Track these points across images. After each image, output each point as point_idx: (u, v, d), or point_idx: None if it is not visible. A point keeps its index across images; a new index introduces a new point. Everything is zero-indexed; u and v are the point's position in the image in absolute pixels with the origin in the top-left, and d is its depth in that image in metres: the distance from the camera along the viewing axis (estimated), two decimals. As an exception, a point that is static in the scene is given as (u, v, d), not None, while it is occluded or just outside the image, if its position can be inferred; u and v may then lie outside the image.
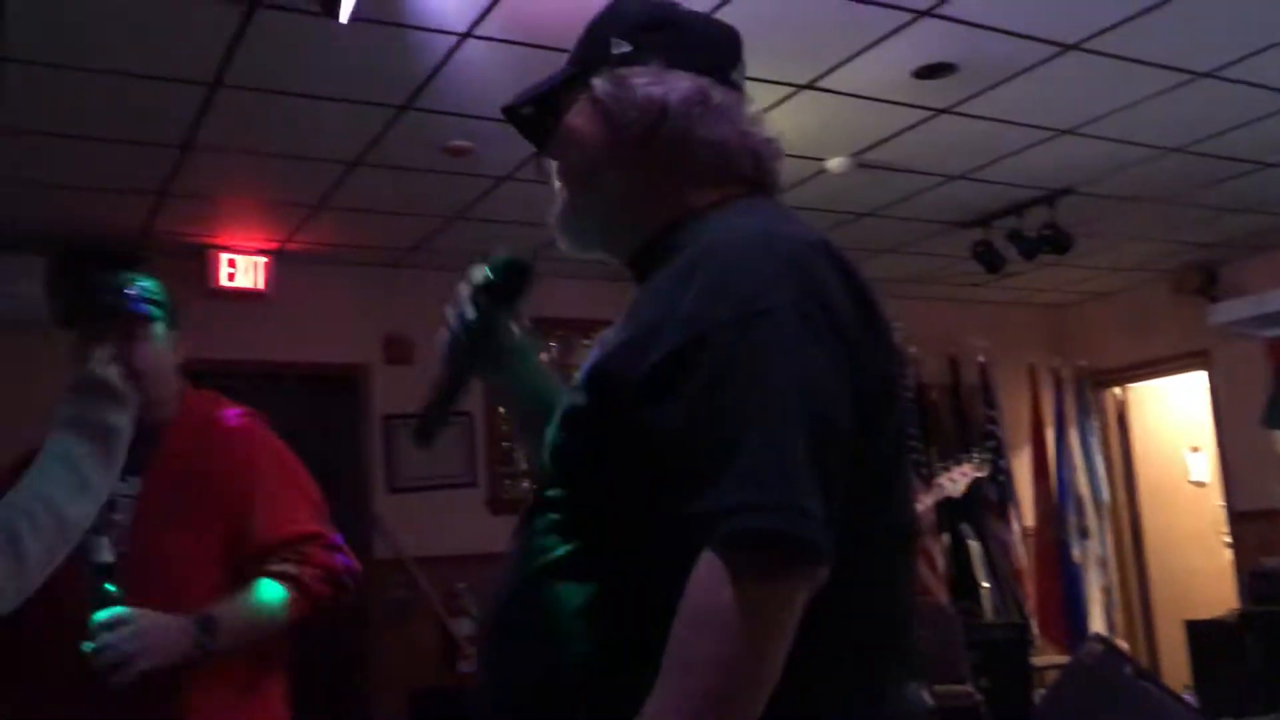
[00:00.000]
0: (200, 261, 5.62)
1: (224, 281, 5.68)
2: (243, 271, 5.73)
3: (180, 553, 2.07)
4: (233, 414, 2.30)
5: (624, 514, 1.15)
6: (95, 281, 2.25)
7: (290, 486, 2.24)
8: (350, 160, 4.57)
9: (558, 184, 1.39)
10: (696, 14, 1.40)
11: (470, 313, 1.43)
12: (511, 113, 1.44)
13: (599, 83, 1.31)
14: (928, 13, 3.52)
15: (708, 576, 1.02)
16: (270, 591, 2.12)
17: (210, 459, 2.19)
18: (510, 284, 1.44)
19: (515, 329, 1.49)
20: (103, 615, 1.90)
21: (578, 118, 1.34)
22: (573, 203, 1.37)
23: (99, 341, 2.07)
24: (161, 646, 1.94)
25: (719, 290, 1.10)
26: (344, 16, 2.77)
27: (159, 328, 2.23)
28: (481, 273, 1.44)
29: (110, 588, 1.93)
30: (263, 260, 5.77)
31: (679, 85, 1.29)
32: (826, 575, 1.04)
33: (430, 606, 5.73)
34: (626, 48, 1.32)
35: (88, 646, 1.89)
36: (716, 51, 1.36)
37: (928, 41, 3.73)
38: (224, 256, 5.69)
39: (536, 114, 1.41)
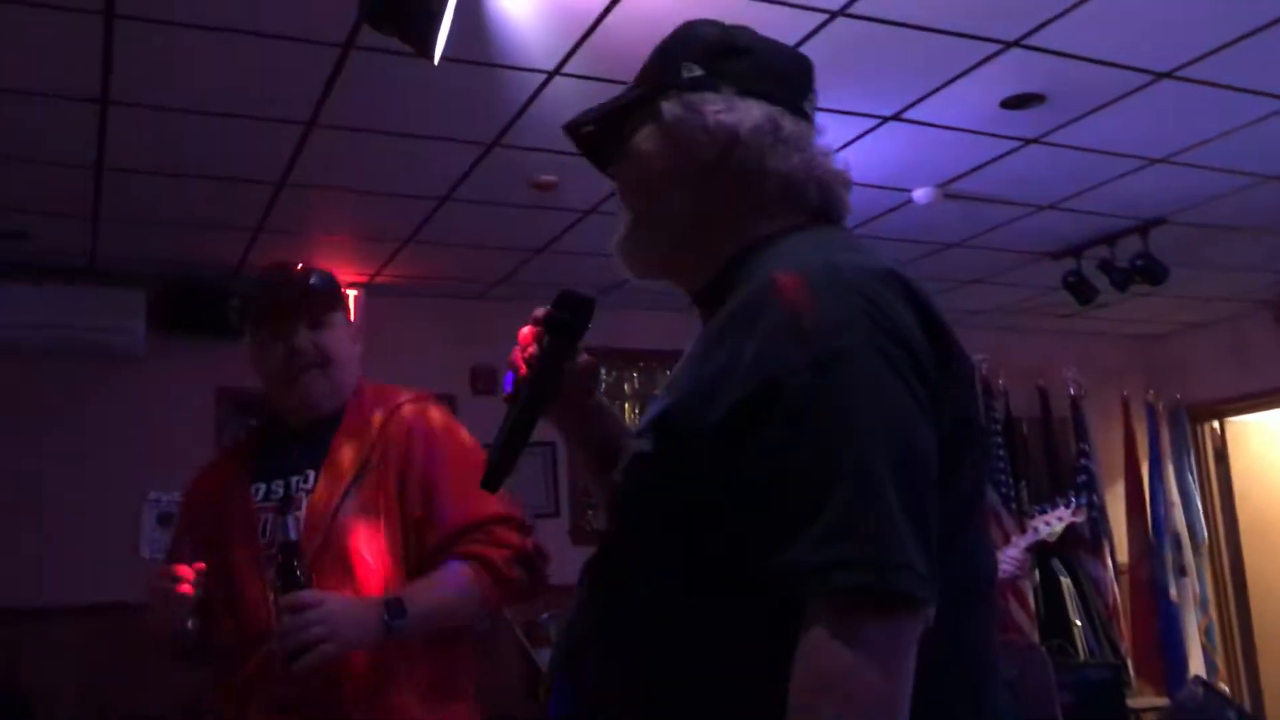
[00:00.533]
0: (294, 295, 5.76)
1: (317, 315, 5.80)
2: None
3: (360, 541, 2.03)
4: (408, 399, 2.27)
5: (696, 563, 1.11)
6: (285, 275, 2.30)
7: (475, 468, 2.08)
8: (440, 196, 4.66)
9: (621, 206, 1.38)
10: (770, 42, 1.37)
11: (536, 351, 1.39)
12: (574, 130, 1.43)
13: (668, 106, 1.30)
14: (1016, 43, 3.49)
15: (819, 640, 0.99)
16: (458, 573, 2.06)
17: (388, 446, 2.14)
18: (575, 320, 1.40)
19: (578, 366, 1.46)
20: (289, 597, 1.86)
21: (646, 140, 1.33)
22: (636, 225, 1.35)
23: (291, 327, 2.12)
24: (350, 630, 1.89)
25: (789, 330, 1.06)
26: (437, 57, 2.83)
27: (340, 316, 2.25)
28: (546, 310, 1.41)
29: (296, 568, 1.89)
30: (353, 293, 5.90)
31: (751, 114, 1.27)
32: (932, 614, 1.01)
33: (513, 636, 5.76)
34: (698, 73, 1.30)
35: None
36: (788, 81, 1.34)
37: (1016, 72, 3.69)
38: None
39: (600, 133, 1.40)
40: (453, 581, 2.06)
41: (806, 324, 1.05)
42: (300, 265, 2.32)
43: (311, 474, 2.12)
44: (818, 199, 1.29)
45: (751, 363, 1.07)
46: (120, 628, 5.29)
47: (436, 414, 2.29)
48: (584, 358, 1.46)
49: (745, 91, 1.28)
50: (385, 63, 3.38)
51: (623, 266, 1.38)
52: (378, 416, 2.18)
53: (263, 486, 2.16)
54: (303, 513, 2.06)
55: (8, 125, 3.79)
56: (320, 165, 4.25)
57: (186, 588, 1.99)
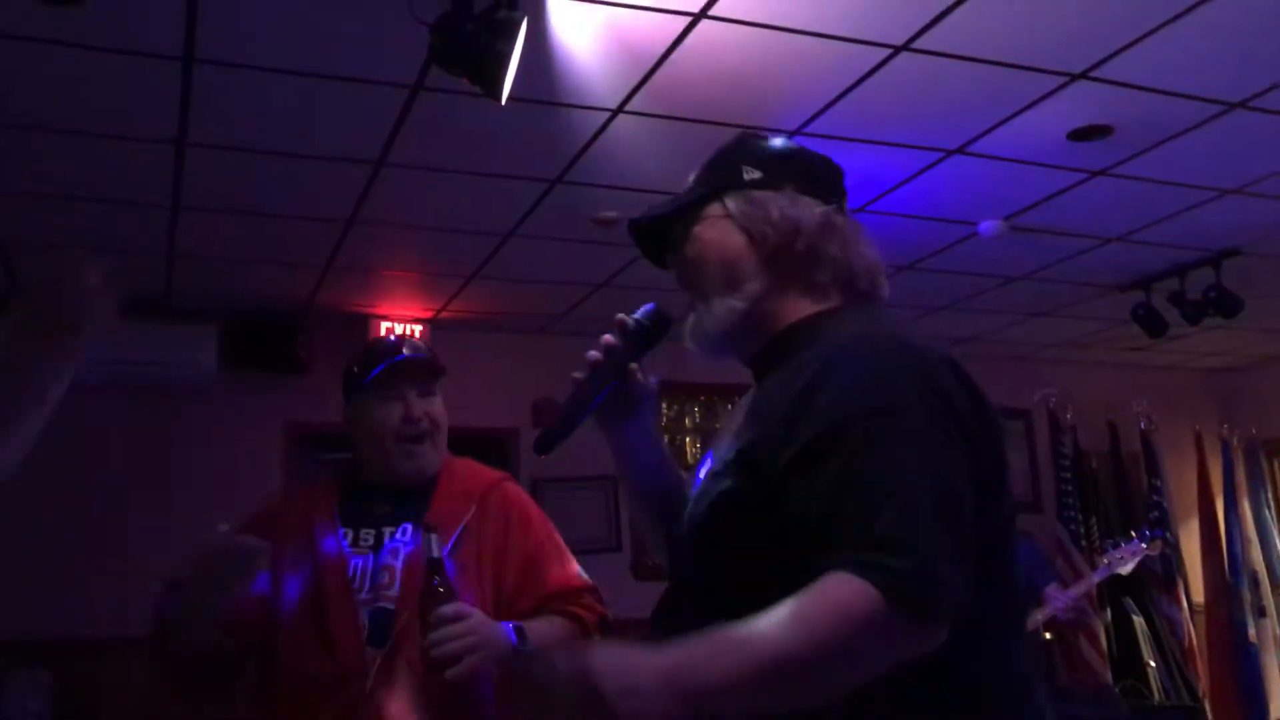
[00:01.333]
0: (361, 329, 5.85)
1: (382, 349, 5.89)
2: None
3: (460, 592, 2.12)
4: (503, 477, 2.41)
5: (777, 593, 1.18)
6: (399, 343, 2.45)
7: (560, 543, 2.34)
8: (504, 232, 4.71)
9: (687, 296, 1.54)
10: (813, 151, 1.58)
11: (618, 342, 1.57)
12: (635, 225, 1.60)
13: (733, 203, 1.48)
14: (1083, 75, 3.46)
15: (843, 595, 1.12)
16: (558, 624, 2.21)
17: (487, 516, 2.25)
18: (654, 329, 1.59)
19: (643, 379, 1.62)
20: (445, 609, 1.95)
21: (712, 232, 1.50)
22: (707, 311, 1.50)
23: (401, 393, 2.26)
24: (493, 644, 2.00)
25: (855, 390, 1.25)
26: (504, 97, 2.88)
27: (441, 385, 2.38)
28: (633, 316, 1.59)
29: (439, 584, 1.97)
30: (418, 328, 5.97)
31: (811, 210, 1.46)
32: (942, 634, 1.14)
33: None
34: (758, 174, 1.49)
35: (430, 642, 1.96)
36: (833, 184, 1.54)
37: (1083, 104, 3.66)
38: (383, 325, 5.91)
39: (660, 227, 1.57)
40: (553, 629, 2.19)
41: (871, 386, 1.25)
42: (405, 336, 2.47)
43: (409, 527, 2.21)
44: (866, 284, 1.48)
45: (823, 409, 1.25)
46: (190, 659, 5.37)
47: (523, 492, 2.47)
48: (650, 379, 1.63)
49: (802, 191, 1.48)
50: (452, 103, 3.44)
51: (696, 349, 1.54)
52: (477, 486, 2.32)
53: (350, 532, 2.22)
54: (399, 567, 2.15)
55: (88, 166, 3.91)
56: (388, 204, 4.33)
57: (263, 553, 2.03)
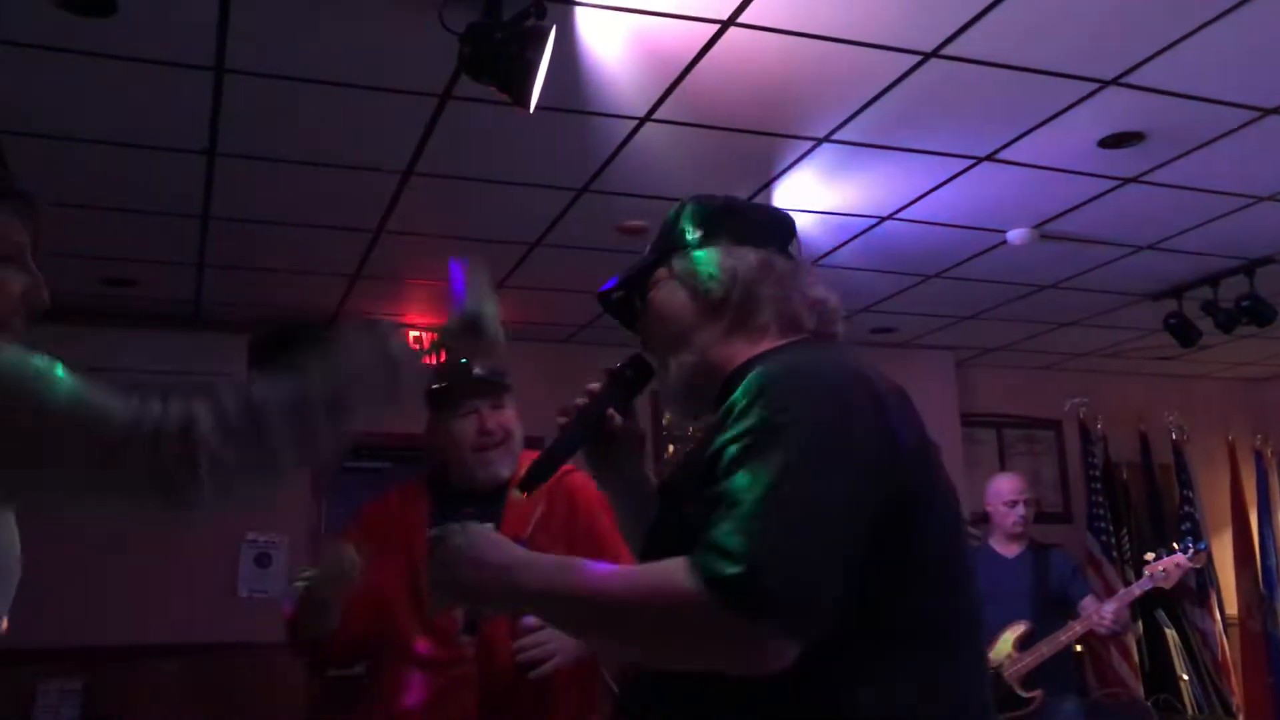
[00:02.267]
0: (388, 339, 5.87)
1: (410, 358, 5.91)
2: (427, 348, 5.95)
3: None
4: (564, 468, 2.49)
5: None
6: (469, 366, 2.67)
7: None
8: (530, 241, 4.72)
9: (652, 359, 1.63)
10: (753, 204, 1.72)
11: (594, 390, 1.69)
12: (604, 299, 1.70)
13: (678, 263, 1.57)
14: (1114, 81, 3.43)
15: (675, 574, 1.20)
16: None
17: (554, 505, 2.51)
18: (636, 378, 1.69)
19: (627, 423, 1.73)
20: (525, 620, 2.26)
21: (661, 294, 1.59)
22: (666, 371, 1.58)
23: (474, 407, 2.57)
24: (568, 649, 2.30)
25: (755, 404, 1.30)
26: (532, 106, 2.88)
27: (511, 398, 2.66)
28: (618, 365, 1.70)
29: None
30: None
31: (746, 258, 1.54)
32: (783, 647, 1.17)
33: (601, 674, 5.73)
34: (699, 234, 1.58)
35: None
36: (773, 230, 1.61)
37: (1114, 110, 3.63)
38: (410, 334, 5.91)
39: (626, 297, 1.67)
40: None
41: (772, 400, 1.30)
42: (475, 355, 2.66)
43: (490, 526, 2.32)
44: (814, 322, 1.53)
45: (729, 426, 1.32)
46: (219, 667, 5.40)
47: (590, 481, 2.57)
48: (633, 425, 1.74)
49: (739, 241, 1.55)
50: (480, 112, 3.45)
51: (672, 412, 1.65)
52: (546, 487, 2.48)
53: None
54: None
55: (120, 177, 3.94)
56: (416, 213, 4.34)
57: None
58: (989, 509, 4.91)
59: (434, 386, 2.59)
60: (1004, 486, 4.90)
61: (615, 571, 1.31)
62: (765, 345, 1.50)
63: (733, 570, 1.15)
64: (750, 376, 1.35)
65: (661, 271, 1.60)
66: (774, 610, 1.15)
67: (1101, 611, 4.44)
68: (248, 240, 4.62)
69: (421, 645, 2.43)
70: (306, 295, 5.37)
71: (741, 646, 1.17)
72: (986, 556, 4.80)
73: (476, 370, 2.61)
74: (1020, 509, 4.79)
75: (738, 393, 1.34)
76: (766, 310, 1.51)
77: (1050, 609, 4.59)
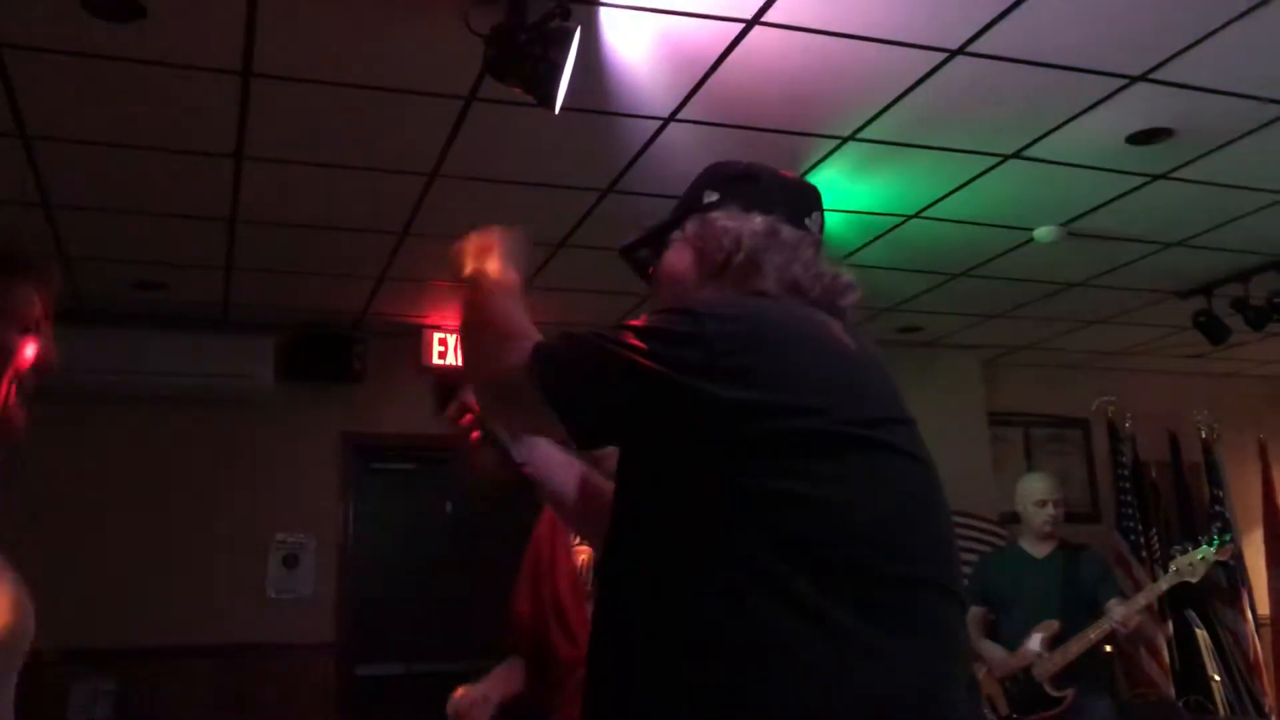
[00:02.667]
0: (414, 340, 5.90)
1: (435, 359, 5.94)
2: (452, 350, 5.98)
3: None
4: None
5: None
6: None
7: None
8: (555, 242, 4.73)
9: None
10: (777, 173, 1.66)
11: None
12: (625, 254, 1.75)
13: (690, 225, 1.60)
14: (1142, 77, 3.40)
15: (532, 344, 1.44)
16: None
17: None
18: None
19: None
20: None
21: (672, 255, 1.61)
22: None
23: None
24: None
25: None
26: (558, 107, 2.89)
27: None
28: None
29: None
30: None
31: (753, 222, 1.54)
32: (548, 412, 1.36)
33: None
34: (715, 197, 1.60)
35: None
36: (789, 200, 1.61)
37: (1143, 106, 3.60)
38: (436, 335, 5.95)
39: (649, 255, 1.69)
40: None
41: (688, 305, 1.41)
42: None
43: None
44: (820, 296, 1.51)
45: None
46: (249, 667, 5.44)
47: None
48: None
49: (751, 207, 1.56)
50: (505, 113, 3.46)
51: None
52: None
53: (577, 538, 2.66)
54: None
55: (148, 181, 3.97)
56: (441, 215, 4.36)
57: None
58: (1018, 509, 4.88)
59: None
60: (1034, 486, 4.86)
61: (516, 322, 1.54)
62: None
63: (546, 372, 1.38)
64: None
65: (677, 233, 1.61)
66: (550, 394, 1.37)
67: (1111, 613, 4.41)
68: (275, 243, 4.65)
69: (564, 647, 2.57)
70: (333, 297, 5.40)
71: (530, 399, 1.37)
72: (1016, 556, 4.78)
73: None
74: (1050, 509, 4.74)
75: None
76: (768, 276, 1.51)
77: (1081, 609, 4.54)
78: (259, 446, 5.72)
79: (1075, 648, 4.42)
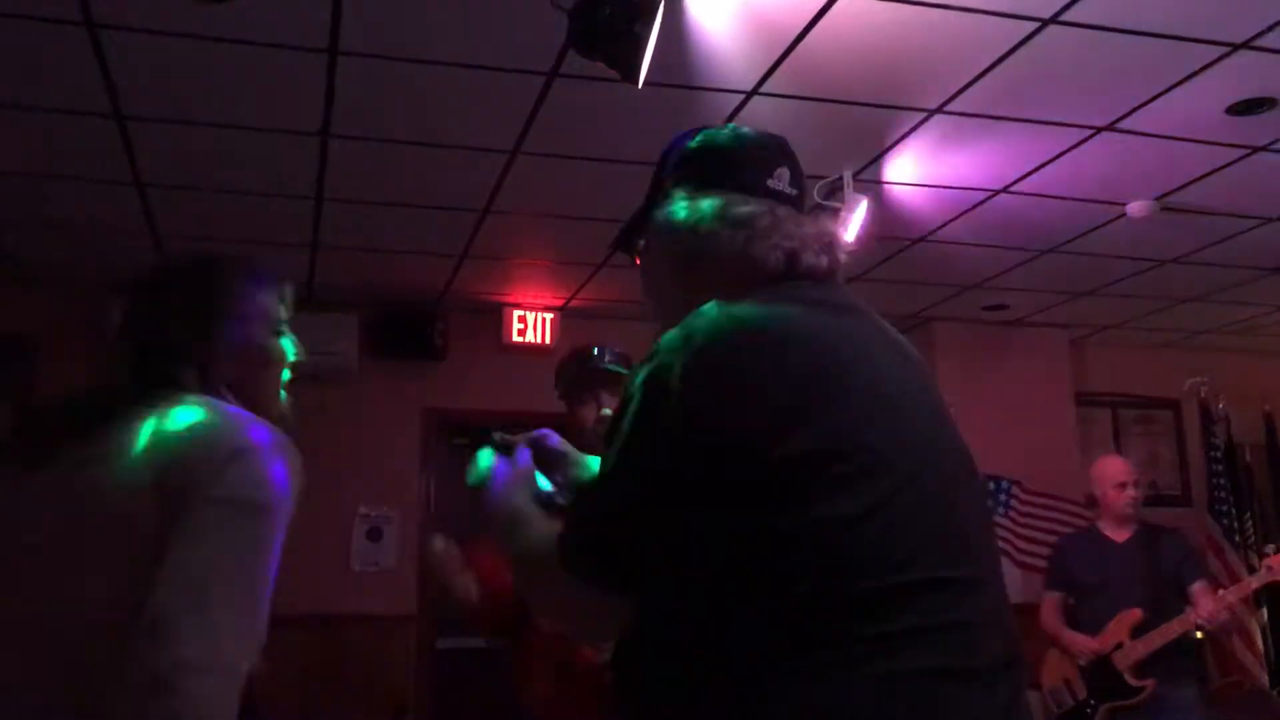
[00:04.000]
0: (495, 318, 5.95)
1: (515, 337, 5.98)
2: (531, 327, 6.02)
3: None
4: None
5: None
6: (600, 353, 2.98)
7: None
8: (635, 219, 4.71)
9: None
10: (730, 138, 1.57)
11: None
12: (619, 246, 1.66)
13: (654, 216, 1.52)
14: (1245, 45, 3.28)
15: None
16: None
17: None
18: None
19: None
20: None
21: (645, 258, 1.57)
22: (657, 318, 1.53)
23: (595, 395, 2.84)
24: None
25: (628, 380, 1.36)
26: (641, 81, 2.87)
27: None
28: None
29: None
30: (549, 316, 6.03)
31: (701, 208, 1.46)
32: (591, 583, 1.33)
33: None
34: (670, 182, 1.53)
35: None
36: (743, 171, 1.50)
37: (1244, 75, 3.47)
38: (515, 313, 5.99)
39: (632, 244, 1.61)
40: None
41: (664, 356, 1.31)
42: (606, 346, 3.00)
43: None
44: (782, 265, 1.42)
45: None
46: (334, 637, 5.55)
47: None
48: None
49: (702, 187, 1.48)
50: (587, 89, 3.45)
51: None
52: None
53: None
54: None
55: (236, 158, 4.05)
56: (522, 192, 4.37)
57: None
58: (1097, 492, 4.75)
59: (562, 383, 2.91)
60: (1112, 468, 4.72)
61: (534, 533, 1.49)
62: (729, 297, 1.39)
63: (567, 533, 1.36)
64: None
65: (649, 224, 1.54)
66: (574, 564, 1.33)
67: (1198, 606, 4.29)
68: (359, 221, 4.71)
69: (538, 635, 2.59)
70: (415, 275, 5.46)
71: (577, 582, 1.33)
72: (1096, 541, 4.65)
73: (595, 363, 2.93)
74: (1131, 490, 4.59)
75: None
76: (728, 262, 1.43)
77: (1165, 594, 4.42)
78: (343, 422, 5.80)
79: (1158, 639, 4.31)
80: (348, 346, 5.65)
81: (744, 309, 1.33)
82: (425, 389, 5.98)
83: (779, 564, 1.20)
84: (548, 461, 1.81)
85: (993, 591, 1.30)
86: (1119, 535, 4.60)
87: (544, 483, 1.80)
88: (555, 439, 1.84)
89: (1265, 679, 5.96)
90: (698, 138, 1.56)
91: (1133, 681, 4.32)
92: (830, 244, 1.47)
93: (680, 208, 1.48)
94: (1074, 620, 4.61)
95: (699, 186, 1.48)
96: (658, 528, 1.27)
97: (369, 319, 5.82)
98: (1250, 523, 6.50)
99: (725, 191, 1.47)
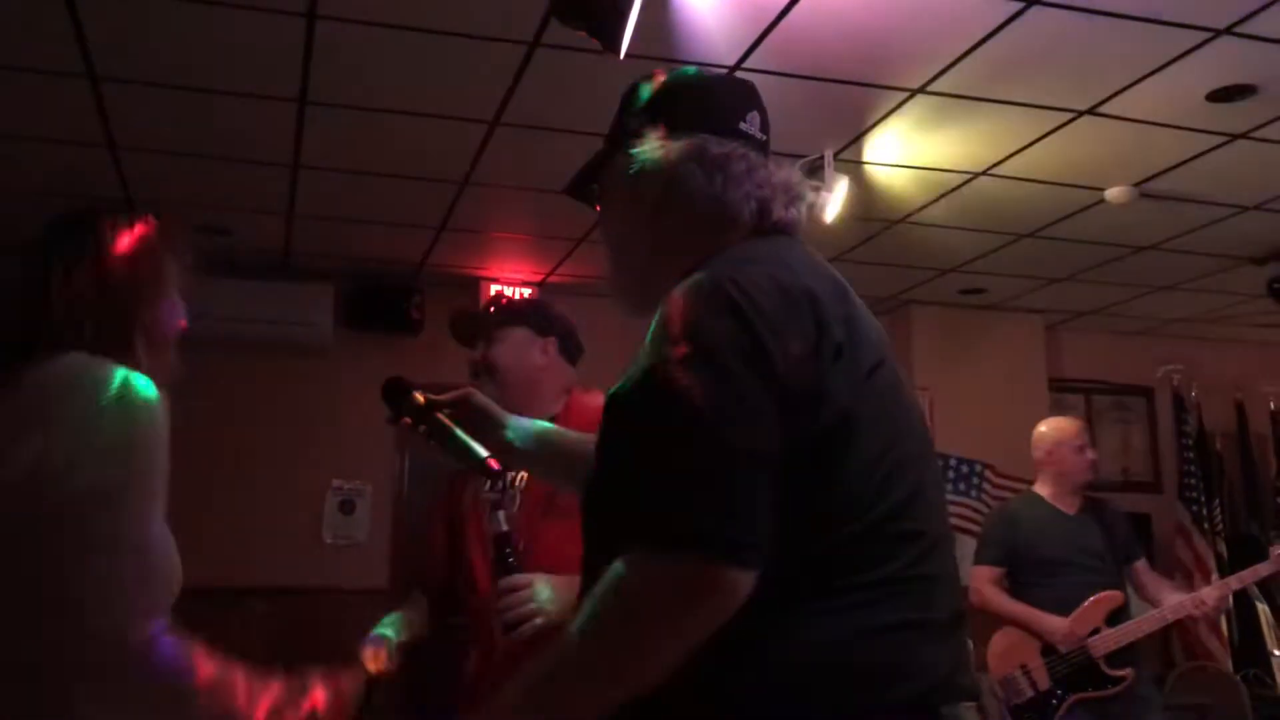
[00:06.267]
0: (472, 291, 5.91)
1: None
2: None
3: (559, 540, 2.20)
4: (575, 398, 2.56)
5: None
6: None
7: None
8: (615, 194, 4.69)
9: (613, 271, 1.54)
10: (700, 79, 1.54)
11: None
12: (573, 192, 1.59)
13: (620, 159, 1.44)
14: (1226, 30, 3.29)
15: (628, 580, 1.16)
16: None
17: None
18: (404, 404, 1.76)
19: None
20: (505, 580, 2.20)
21: (609, 193, 1.50)
22: (614, 269, 1.51)
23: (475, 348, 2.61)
24: (556, 605, 2.18)
25: (664, 333, 1.23)
26: (623, 52, 2.85)
27: (517, 332, 2.59)
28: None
29: (509, 555, 2.21)
30: (527, 291, 6.00)
31: (677, 148, 1.40)
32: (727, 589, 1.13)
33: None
34: (638, 123, 1.45)
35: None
36: (718, 109, 1.44)
37: (1225, 62, 3.48)
38: (492, 288, 5.96)
39: (595, 191, 1.54)
40: None
41: (674, 329, 1.22)
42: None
43: (525, 474, 2.44)
44: (754, 215, 1.39)
45: (640, 359, 1.26)
46: (306, 610, 5.53)
47: (586, 401, 2.55)
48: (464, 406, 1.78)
49: (674, 129, 1.41)
50: (569, 60, 3.42)
51: (616, 305, 1.53)
52: (584, 423, 2.29)
53: (488, 481, 2.43)
54: (516, 508, 2.40)
55: (211, 125, 3.99)
56: (501, 164, 4.34)
57: None
58: (1048, 457, 4.19)
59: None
60: (1070, 429, 4.24)
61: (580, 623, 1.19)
62: (706, 247, 1.36)
63: (665, 534, 1.13)
64: (659, 310, 1.27)
65: (610, 168, 1.48)
66: (704, 546, 1.12)
67: (1203, 597, 3.96)
68: (336, 190, 4.66)
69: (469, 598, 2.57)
70: (392, 247, 5.42)
71: (701, 583, 1.12)
72: (1047, 512, 4.13)
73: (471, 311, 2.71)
74: (1089, 453, 4.16)
75: (652, 325, 1.27)
76: (703, 206, 1.38)
77: (1119, 572, 4.09)
78: (318, 394, 5.77)
79: (1147, 626, 3.96)
80: (322, 318, 5.61)
81: (767, 267, 1.27)
82: (400, 362, 5.90)
83: (804, 510, 1.19)
84: (476, 423, 1.76)
85: (950, 550, 1.34)
86: (1069, 507, 4.13)
87: (478, 449, 1.75)
88: (479, 397, 1.79)
89: (1230, 664, 6.03)
90: (666, 78, 1.50)
91: (1109, 671, 3.93)
92: (798, 196, 1.43)
93: (653, 147, 1.41)
94: (1019, 598, 4.11)
95: (671, 128, 1.42)
96: (763, 492, 1.15)
97: (344, 290, 5.78)
98: (1219, 510, 6.57)
99: (698, 133, 1.41)
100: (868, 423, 1.23)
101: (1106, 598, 3.96)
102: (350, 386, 5.83)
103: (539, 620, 2.17)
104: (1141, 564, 4.13)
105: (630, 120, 1.47)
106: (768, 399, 1.16)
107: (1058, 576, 4.01)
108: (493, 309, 2.74)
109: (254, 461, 5.60)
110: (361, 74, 3.62)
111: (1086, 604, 3.95)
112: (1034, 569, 4.07)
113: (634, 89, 1.51)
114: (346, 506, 5.78)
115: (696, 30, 3.27)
